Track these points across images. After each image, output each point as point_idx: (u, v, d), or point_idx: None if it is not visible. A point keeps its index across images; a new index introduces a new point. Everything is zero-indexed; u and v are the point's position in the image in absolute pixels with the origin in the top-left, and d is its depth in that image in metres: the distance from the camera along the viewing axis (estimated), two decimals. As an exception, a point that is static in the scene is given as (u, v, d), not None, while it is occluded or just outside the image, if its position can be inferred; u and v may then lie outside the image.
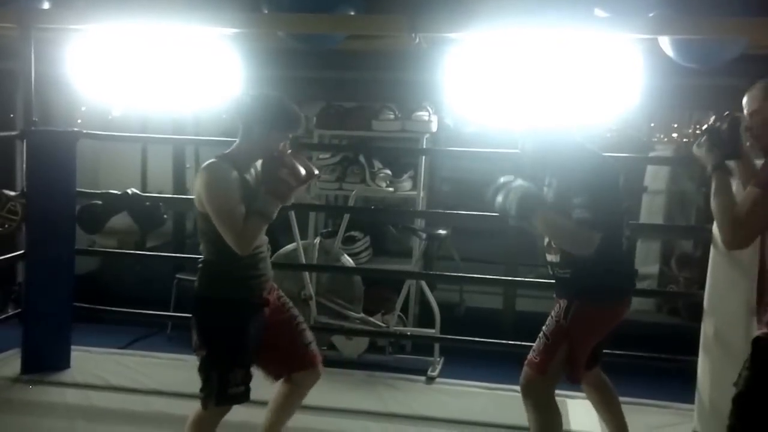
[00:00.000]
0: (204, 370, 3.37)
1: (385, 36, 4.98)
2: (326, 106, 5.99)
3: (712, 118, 3.17)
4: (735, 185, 3.15)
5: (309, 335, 3.64)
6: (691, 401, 4.74)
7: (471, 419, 4.74)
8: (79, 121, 7.00)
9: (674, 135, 7.52)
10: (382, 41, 5.13)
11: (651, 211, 7.04)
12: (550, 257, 3.65)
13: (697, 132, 3.18)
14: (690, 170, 7.27)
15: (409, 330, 5.65)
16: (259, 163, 3.40)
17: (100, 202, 5.21)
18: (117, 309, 5.60)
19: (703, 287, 6.05)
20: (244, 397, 3.38)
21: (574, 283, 3.57)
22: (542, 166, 3.63)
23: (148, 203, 5.12)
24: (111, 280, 6.95)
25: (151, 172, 7.52)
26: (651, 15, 4.47)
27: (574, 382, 3.69)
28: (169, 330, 6.33)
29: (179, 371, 5.33)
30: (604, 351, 3.93)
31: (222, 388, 3.32)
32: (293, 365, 3.61)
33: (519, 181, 3.53)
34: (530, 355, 3.62)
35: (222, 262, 3.32)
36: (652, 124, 7.39)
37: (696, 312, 6.40)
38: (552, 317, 3.60)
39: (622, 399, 4.10)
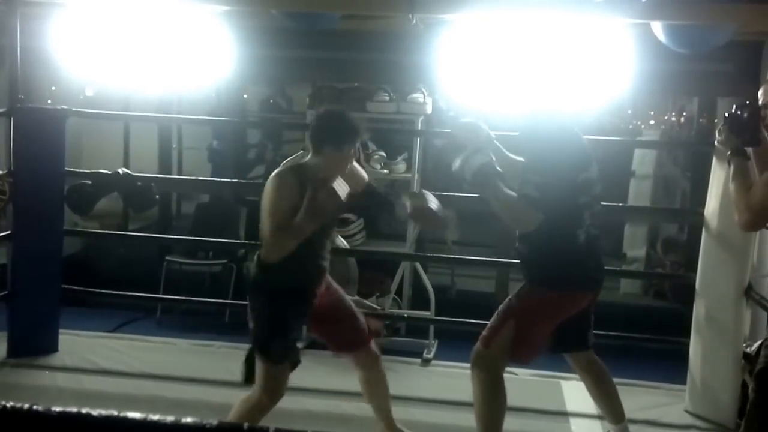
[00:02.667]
0: (253, 341, 3.80)
1: (381, 16, 5.08)
2: (320, 87, 6.09)
3: (734, 106, 3.40)
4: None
5: (361, 321, 4.09)
6: (682, 382, 4.99)
7: (467, 400, 4.85)
8: (48, 101, 6.94)
9: (651, 122, 7.66)
10: (377, 21, 5.29)
11: (638, 195, 7.21)
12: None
13: (716, 120, 3.33)
14: (675, 155, 7.43)
15: (406, 312, 5.74)
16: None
17: (89, 182, 5.22)
18: (107, 291, 5.69)
19: (689, 270, 6.25)
20: (293, 364, 3.79)
21: (527, 264, 3.84)
22: (527, 143, 3.85)
23: (139, 183, 5.10)
24: (94, 263, 7.02)
25: (134, 152, 7.52)
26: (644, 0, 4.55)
27: (519, 362, 4.00)
28: (159, 313, 6.41)
29: (170, 355, 5.45)
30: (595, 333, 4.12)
31: (265, 360, 3.74)
32: (346, 345, 4.11)
33: (483, 152, 3.76)
34: (483, 331, 3.89)
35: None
36: (629, 111, 7.53)
37: (682, 295, 6.62)
38: (509, 295, 3.89)
39: (616, 380, 4.23)
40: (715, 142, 4.46)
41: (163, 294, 6.25)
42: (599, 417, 4.56)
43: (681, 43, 4.76)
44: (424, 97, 5.88)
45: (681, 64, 5.61)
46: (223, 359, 5.33)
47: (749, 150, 3.35)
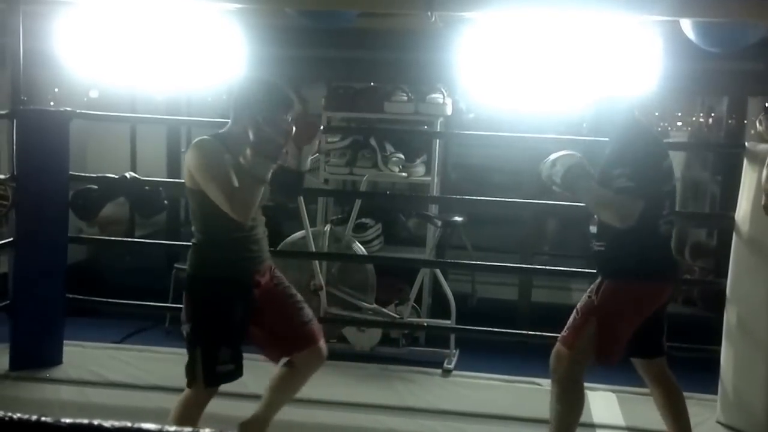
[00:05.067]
0: (189, 346, 3.67)
1: (399, 14, 5.04)
2: (335, 87, 6.13)
3: None
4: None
5: (308, 313, 3.90)
6: (713, 391, 4.97)
7: (489, 412, 4.95)
8: (51, 103, 6.91)
9: (678, 123, 7.60)
10: (395, 20, 5.36)
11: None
12: (591, 227, 4.13)
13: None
14: (704, 157, 7.36)
15: (426, 321, 5.70)
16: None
17: (95, 187, 5.22)
18: (113, 300, 5.65)
19: (719, 276, 6.16)
20: (234, 376, 3.67)
21: (607, 259, 3.84)
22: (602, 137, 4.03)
23: (147, 188, 5.06)
24: (99, 272, 6.96)
25: (141, 156, 7.48)
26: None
27: (603, 363, 3.88)
28: (167, 323, 6.42)
29: (179, 366, 5.30)
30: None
31: (209, 365, 3.61)
32: (291, 345, 3.83)
33: (567, 152, 3.83)
34: (563, 332, 3.87)
35: (211, 241, 3.63)
36: (656, 113, 7.45)
37: (712, 301, 6.55)
38: (586, 293, 3.88)
39: (642, 389, 4.21)
40: (746, 144, 4.41)
41: (172, 303, 6.17)
42: (627, 429, 4.48)
43: (712, 42, 4.75)
44: (444, 98, 5.84)
45: (710, 63, 5.60)
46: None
47: None
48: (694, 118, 7.35)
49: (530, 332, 5.16)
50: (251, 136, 3.40)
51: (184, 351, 5.58)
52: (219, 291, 3.60)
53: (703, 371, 5.09)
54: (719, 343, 4.83)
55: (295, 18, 5.03)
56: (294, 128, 3.50)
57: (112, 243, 6.96)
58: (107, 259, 7.31)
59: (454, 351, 5.72)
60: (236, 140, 3.52)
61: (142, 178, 5.29)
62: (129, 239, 7.12)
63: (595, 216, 3.91)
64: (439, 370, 5.47)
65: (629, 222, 3.62)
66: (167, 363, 5.45)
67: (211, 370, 3.60)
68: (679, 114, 7.45)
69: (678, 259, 3.98)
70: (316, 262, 5.75)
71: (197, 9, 5.07)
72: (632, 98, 4.04)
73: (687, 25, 4.68)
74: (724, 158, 6.81)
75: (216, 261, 3.63)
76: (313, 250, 5.74)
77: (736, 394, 4.72)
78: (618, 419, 4.63)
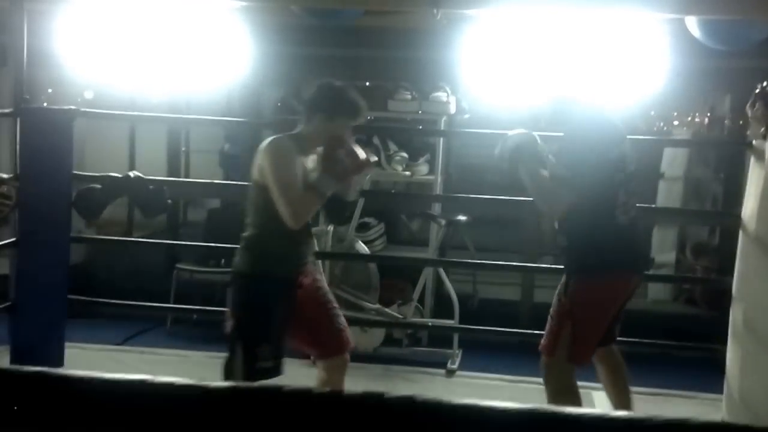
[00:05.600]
0: (230, 342, 3.73)
1: (403, 12, 5.03)
2: (339, 85, 5.99)
3: (765, 83, 3.39)
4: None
5: (342, 321, 4.01)
6: (717, 391, 4.96)
7: None
8: (44, 104, 6.88)
9: (675, 122, 7.61)
10: (398, 17, 5.37)
11: (668, 198, 7.16)
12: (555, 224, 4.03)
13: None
14: (706, 156, 7.38)
15: (430, 321, 5.71)
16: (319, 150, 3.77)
17: (98, 186, 5.20)
18: (115, 302, 5.66)
19: (722, 275, 6.19)
20: (274, 372, 3.71)
21: (569, 256, 3.88)
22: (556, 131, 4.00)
23: (151, 187, 5.07)
24: (99, 272, 6.95)
25: (140, 156, 7.48)
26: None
27: (579, 364, 3.88)
28: (169, 324, 6.42)
29: (182, 367, 5.42)
30: (625, 339, 4.24)
31: (249, 361, 3.66)
32: (322, 350, 3.96)
33: (524, 131, 3.84)
34: (542, 341, 3.89)
35: (264, 236, 3.73)
36: (652, 112, 7.47)
37: (714, 301, 6.58)
38: (555, 296, 3.89)
39: (646, 389, 4.22)
40: (752, 141, 4.43)
41: (173, 304, 6.17)
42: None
43: (718, 40, 4.74)
44: (448, 96, 5.85)
45: (714, 61, 5.59)
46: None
47: None
48: (689, 118, 7.37)
49: (533, 332, 5.16)
50: (324, 152, 3.62)
51: (187, 352, 5.71)
52: (268, 286, 3.70)
53: (707, 370, 5.14)
54: (723, 343, 4.81)
55: (300, 16, 5.06)
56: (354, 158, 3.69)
57: (114, 243, 6.91)
58: (105, 261, 7.26)
59: (458, 351, 5.74)
60: (305, 143, 3.71)
61: (145, 177, 5.31)
62: (132, 239, 7.12)
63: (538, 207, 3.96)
64: (443, 371, 5.51)
65: (559, 211, 3.68)
66: (170, 365, 5.51)
67: (251, 366, 3.65)
68: (675, 114, 7.46)
69: (644, 247, 3.99)
70: (319, 261, 5.70)
71: (202, 6, 5.09)
72: (591, 94, 4.06)
73: (692, 23, 4.71)
74: (727, 156, 6.85)
75: (268, 256, 3.73)
76: (317, 249, 5.71)
77: (741, 393, 4.71)
78: (624, 419, 4.64)
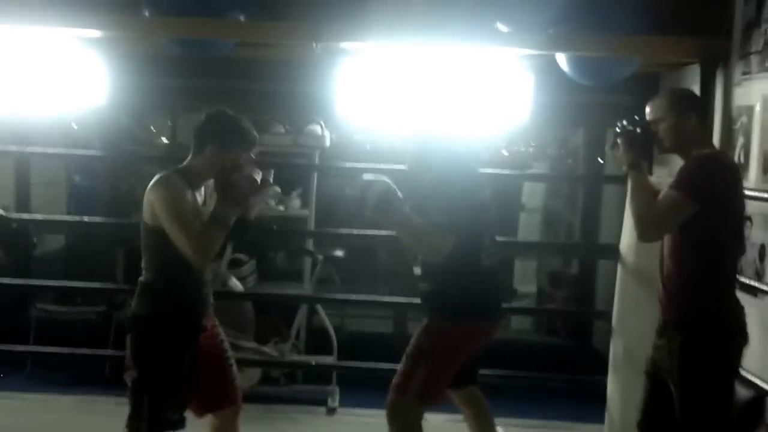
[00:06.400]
0: (135, 393, 3.57)
1: (278, 44, 4.97)
2: (208, 117, 5.87)
3: (623, 122, 3.68)
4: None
5: (235, 371, 3.88)
6: (586, 420, 5.25)
7: None
8: None
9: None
10: (272, 50, 5.18)
11: (528, 228, 7.38)
12: (415, 270, 4.02)
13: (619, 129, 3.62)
14: (559, 188, 7.66)
15: (313, 359, 5.62)
16: (210, 182, 3.66)
17: (-46, 225, 4.81)
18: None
19: (579, 305, 6.40)
20: (179, 425, 3.58)
21: (433, 299, 3.90)
22: (418, 174, 3.97)
23: (14, 225, 4.79)
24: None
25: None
26: (550, 31, 4.66)
27: (428, 405, 3.92)
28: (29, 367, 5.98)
29: (51, 413, 5.25)
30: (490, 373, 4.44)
31: (155, 412, 3.51)
32: (219, 401, 3.80)
33: (383, 179, 3.81)
34: (394, 378, 3.90)
35: (164, 280, 3.57)
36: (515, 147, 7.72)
37: (574, 331, 6.82)
38: (414, 336, 3.91)
39: (523, 421, 4.26)
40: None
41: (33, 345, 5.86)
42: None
43: (587, 75, 4.93)
44: (322, 129, 5.82)
45: (578, 96, 5.78)
46: (110, 416, 5.04)
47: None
48: (556, 150, 7.66)
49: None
50: (217, 181, 3.48)
51: (54, 396, 5.43)
52: (170, 333, 3.53)
53: (577, 400, 5.34)
54: (583, 372, 5.09)
55: (164, 46, 4.92)
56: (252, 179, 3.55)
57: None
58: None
59: (336, 387, 5.70)
60: (196, 175, 3.56)
61: (6, 215, 5.02)
62: None
63: (415, 253, 3.96)
64: (324, 408, 5.45)
65: (439, 255, 3.68)
66: (37, 411, 5.24)
67: (156, 419, 3.49)
68: (532, 146, 7.73)
69: (502, 294, 4.14)
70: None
71: (51, 37, 4.87)
72: (451, 132, 4.15)
73: (562, 59, 4.89)
74: (584, 188, 7.15)
75: (169, 302, 3.57)
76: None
77: (623, 423, 4.86)
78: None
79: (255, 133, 3.69)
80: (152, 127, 7.59)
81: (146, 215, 3.52)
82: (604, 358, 7.28)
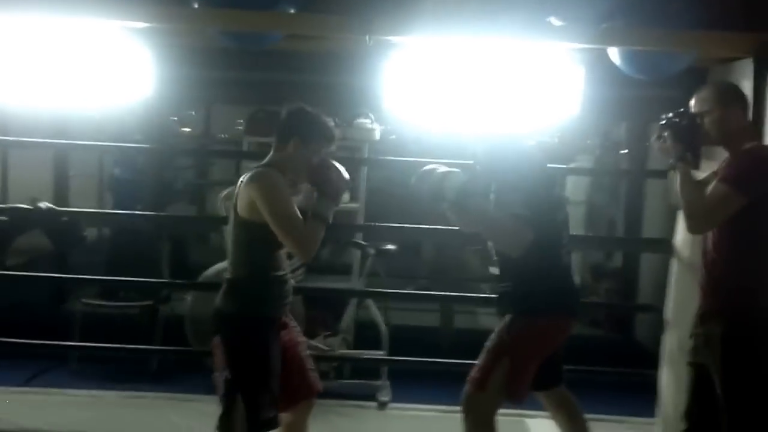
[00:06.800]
0: (229, 393, 3.56)
1: (327, 37, 4.94)
2: (257, 111, 5.95)
3: (670, 114, 3.69)
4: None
5: (311, 362, 3.92)
6: (640, 414, 5.26)
7: None
8: None
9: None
10: (319, 42, 5.15)
11: (573, 222, 7.34)
12: (492, 270, 3.98)
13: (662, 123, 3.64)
14: (602, 181, 7.64)
15: (365, 353, 5.62)
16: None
17: (5, 218, 4.84)
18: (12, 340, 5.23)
19: (625, 298, 6.37)
20: (274, 423, 3.59)
21: (515, 296, 3.89)
22: (491, 172, 3.93)
23: (65, 219, 4.81)
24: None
25: (21, 181, 7.05)
26: (604, 26, 4.65)
27: (514, 401, 3.93)
28: (74, 362, 6.10)
29: (97, 410, 5.21)
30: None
31: (252, 412, 3.52)
32: (298, 393, 3.81)
33: (454, 169, 3.83)
34: (472, 371, 3.91)
35: (254, 276, 3.63)
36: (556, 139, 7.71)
37: (618, 323, 6.80)
38: (495, 332, 3.90)
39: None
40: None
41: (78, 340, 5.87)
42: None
43: (641, 70, 4.92)
44: (372, 123, 5.80)
45: (624, 90, 5.77)
46: (159, 412, 5.17)
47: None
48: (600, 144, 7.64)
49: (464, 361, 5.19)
50: (315, 177, 3.59)
51: (100, 392, 5.44)
52: (263, 330, 3.58)
53: (624, 393, 5.34)
54: (627, 365, 5.14)
55: (212, 38, 4.91)
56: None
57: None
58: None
59: (386, 382, 5.68)
60: (283, 170, 3.60)
61: (58, 208, 5.03)
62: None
63: (492, 253, 3.93)
64: (374, 403, 5.46)
65: (519, 249, 3.68)
66: (82, 407, 5.21)
67: (255, 418, 3.51)
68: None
69: (579, 289, 4.17)
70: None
71: (101, 27, 4.86)
72: (520, 134, 4.14)
73: (614, 53, 4.89)
74: (627, 183, 7.13)
75: (260, 299, 3.61)
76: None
77: (675, 417, 4.86)
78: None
79: (333, 128, 3.78)
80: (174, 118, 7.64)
81: (243, 210, 3.54)
82: (647, 351, 7.32)
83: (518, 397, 3.92)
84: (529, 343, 3.83)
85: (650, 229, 6.87)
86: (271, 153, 3.69)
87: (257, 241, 3.55)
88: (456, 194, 3.70)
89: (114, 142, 6.74)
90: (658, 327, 6.98)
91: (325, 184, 3.59)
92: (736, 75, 5.05)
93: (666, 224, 7.20)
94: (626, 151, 6.79)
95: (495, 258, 3.90)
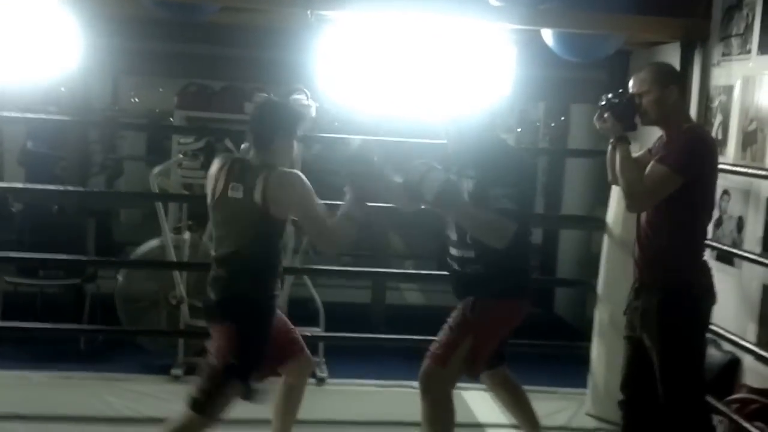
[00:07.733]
0: (225, 377, 3.62)
1: (263, 10, 4.94)
2: (188, 84, 5.86)
3: (610, 95, 3.82)
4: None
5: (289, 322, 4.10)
6: (569, 385, 5.54)
7: (369, 419, 5.05)
8: None
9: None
10: (255, 16, 5.18)
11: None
12: (455, 252, 4.02)
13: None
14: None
15: (309, 331, 5.63)
16: None
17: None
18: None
19: (544, 274, 6.55)
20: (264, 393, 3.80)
21: (484, 278, 3.97)
22: (464, 155, 3.99)
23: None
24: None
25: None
26: (541, 8, 4.77)
27: (473, 376, 4.13)
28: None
29: (25, 390, 5.10)
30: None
31: (245, 393, 3.70)
32: (284, 354, 3.94)
33: (437, 169, 3.86)
34: (432, 348, 3.99)
35: (269, 263, 3.75)
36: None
37: (538, 298, 6.97)
38: (459, 310, 4.00)
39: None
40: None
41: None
42: (514, 426, 4.72)
43: (572, 51, 5.08)
44: (308, 99, 5.80)
45: (547, 70, 5.92)
46: (91, 391, 5.10)
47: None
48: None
49: (407, 336, 5.28)
50: (356, 182, 3.75)
51: (27, 373, 5.31)
52: (268, 309, 3.75)
53: (551, 365, 5.55)
54: (546, 338, 5.36)
55: (151, 8, 4.85)
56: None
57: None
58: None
59: (323, 358, 5.74)
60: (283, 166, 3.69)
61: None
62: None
63: (468, 237, 3.96)
64: (312, 380, 5.42)
65: (503, 243, 3.76)
66: (10, 388, 5.09)
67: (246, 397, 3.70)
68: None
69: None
70: (177, 273, 5.57)
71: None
72: (492, 111, 4.20)
73: (547, 35, 5.03)
74: (548, 162, 7.32)
75: (267, 282, 3.74)
76: (174, 259, 5.56)
77: (607, 387, 5.10)
78: (498, 416, 4.87)
79: (302, 111, 4.01)
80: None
81: (274, 208, 3.58)
82: (568, 324, 7.57)
83: (476, 373, 4.09)
84: (494, 323, 3.96)
85: (569, 207, 7.08)
86: (258, 153, 3.69)
87: (277, 234, 3.70)
88: (437, 195, 3.74)
89: (25, 113, 6.60)
90: (578, 301, 7.28)
91: (364, 191, 3.75)
92: (659, 58, 5.28)
93: (583, 201, 7.50)
94: (552, 126, 6.99)
95: (469, 242, 3.92)
